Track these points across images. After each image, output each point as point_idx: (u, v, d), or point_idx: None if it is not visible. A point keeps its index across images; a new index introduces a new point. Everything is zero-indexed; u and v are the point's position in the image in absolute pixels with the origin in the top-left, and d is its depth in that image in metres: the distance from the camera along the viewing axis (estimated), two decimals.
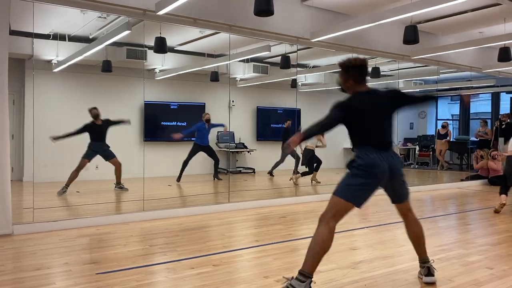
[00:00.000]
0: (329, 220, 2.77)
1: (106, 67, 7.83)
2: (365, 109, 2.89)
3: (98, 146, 7.12)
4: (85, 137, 8.23)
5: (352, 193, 2.80)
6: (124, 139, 8.79)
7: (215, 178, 8.77)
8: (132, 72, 8.80)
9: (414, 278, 3.12)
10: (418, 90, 13.14)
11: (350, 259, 3.60)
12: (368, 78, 3.07)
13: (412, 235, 3.12)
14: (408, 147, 13.66)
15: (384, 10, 6.07)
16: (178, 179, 8.34)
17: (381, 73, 10.17)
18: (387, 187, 2.97)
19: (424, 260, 3.10)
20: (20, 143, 7.74)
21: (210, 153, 8.66)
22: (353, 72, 3.02)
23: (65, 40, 7.47)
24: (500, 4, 6.16)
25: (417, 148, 13.56)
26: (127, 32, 5.63)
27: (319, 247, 2.70)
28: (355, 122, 2.90)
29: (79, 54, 7.19)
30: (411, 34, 6.21)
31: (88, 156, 6.98)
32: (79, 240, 4.26)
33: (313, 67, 10.20)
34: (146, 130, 8.98)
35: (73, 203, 6.42)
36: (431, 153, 13.06)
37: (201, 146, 8.52)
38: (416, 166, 13.30)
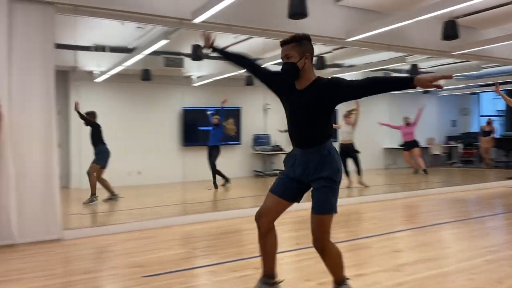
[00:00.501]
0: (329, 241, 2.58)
1: (145, 75, 8.06)
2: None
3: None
4: (130, 146, 8.52)
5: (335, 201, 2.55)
6: (163, 145, 9.02)
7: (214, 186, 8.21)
8: (170, 80, 9.02)
9: (462, 280, 3.03)
10: (459, 86, 12.72)
11: (394, 261, 3.53)
12: None
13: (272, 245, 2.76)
14: (450, 145, 13.23)
15: (421, 6, 5.93)
16: (215, 185, 8.17)
17: (420, 70, 9.92)
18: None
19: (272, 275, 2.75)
20: (66, 151, 8.09)
21: (209, 155, 8.32)
22: (311, 49, 2.55)
23: (105, 51, 7.75)
24: None
25: (460, 146, 13.11)
26: (164, 41, 5.78)
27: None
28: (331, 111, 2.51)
29: (119, 64, 7.45)
30: (451, 29, 6.03)
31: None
32: (124, 244, 4.40)
33: (349, 66, 10.08)
34: (185, 136, 9.16)
35: (118, 208, 6.64)
36: (475, 151, 12.59)
37: (207, 146, 8.37)
38: (460, 164, 12.85)
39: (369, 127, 11.69)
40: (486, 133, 11.53)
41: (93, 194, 6.58)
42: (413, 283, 2.98)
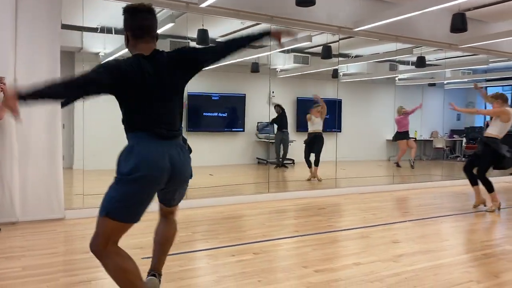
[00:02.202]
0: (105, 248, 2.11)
1: None
2: (145, 78, 2.04)
3: None
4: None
5: (118, 206, 2.03)
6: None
7: None
8: None
9: (458, 273, 3.05)
10: (466, 80, 12.65)
11: (391, 252, 3.56)
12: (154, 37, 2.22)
13: (162, 237, 2.55)
14: (454, 139, 13.19)
15: None
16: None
17: (427, 62, 9.85)
18: (161, 189, 2.18)
19: (157, 271, 2.56)
20: (70, 133, 8.12)
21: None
22: (129, 21, 2.19)
23: (112, 33, 7.72)
24: None
25: (464, 140, 13.07)
26: (171, 24, 5.75)
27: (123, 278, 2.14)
28: (129, 97, 2.07)
29: (125, 46, 7.44)
30: (459, 22, 5.98)
31: None
32: None
33: (355, 56, 10.02)
34: (189, 121, 9.17)
35: None
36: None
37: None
38: (463, 158, 12.82)
39: (372, 120, 11.68)
40: None
41: None
42: (410, 274, 3.01)
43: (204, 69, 2.33)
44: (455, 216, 5.10)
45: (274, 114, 9.34)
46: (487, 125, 11.94)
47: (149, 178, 2.01)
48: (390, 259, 3.36)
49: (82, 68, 7.74)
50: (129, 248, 3.53)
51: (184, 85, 2.29)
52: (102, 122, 6.98)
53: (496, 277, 2.99)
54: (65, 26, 5.27)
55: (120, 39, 7.70)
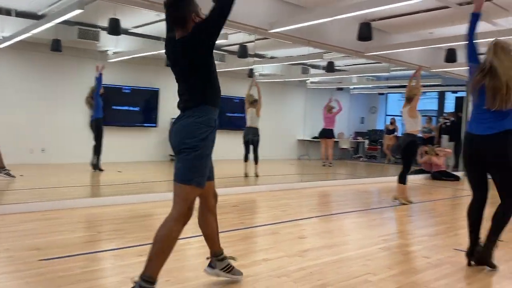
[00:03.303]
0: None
1: (56, 46, 7.47)
2: (168, 60, 2.58)
3: None
4: (34, 121, 7.86)
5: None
6: (71, 122, 8.49)
7: (95, 169, 7.53)
8: (83, 53, 8.48)
9: (357, 266, 3.26)
10: (370, 86, 13.58)
11: (298, 247, 3.70)
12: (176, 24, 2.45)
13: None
14: (358, 140, 14.11)
15: (340, 6, 6.20)
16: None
17: (336, 67, 10.41)
18: None
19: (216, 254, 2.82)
20: None
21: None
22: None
23: (11, 15, 7.06)
24: (449, 7, 6.46)
25: (367, 142, 14.04)
26: (79, 11, 5.40)
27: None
28: None
29: (26, 30, 6.82)
30: (365, 31, 6.39)
31: None
32: (23, 225, 4.09)
33: (271, 57, 10.26)
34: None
35: (18, 187, 6.14)
36: (379, 147, 13.57)
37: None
38: (365, 159, 13.77)
39: (285, 120, 12.06)
40: (390, 131, 12.48)
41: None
42: (314, 268, 3.15)
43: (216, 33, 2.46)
44: (357, 212, 5.46)
45: None
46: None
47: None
48: (297, 254, 3.49)
49: None
50: (24, 250, 3.26)
51: (199, 62, 2.44)
52: None
53: (390, 269, 3.25)
54: None
55: (21, 22, 7.10)
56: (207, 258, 2.85)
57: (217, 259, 2.80)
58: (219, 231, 2.82)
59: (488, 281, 3.11)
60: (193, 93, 2.46)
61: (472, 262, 3.37)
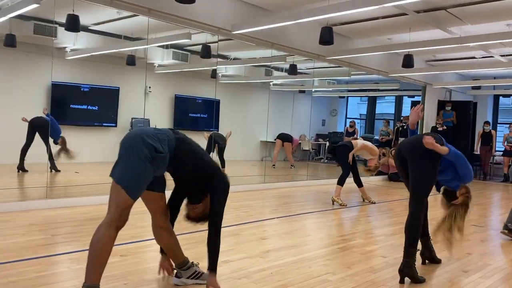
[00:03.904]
0: None
1: (10, 41, 7.14)
2: None
3: None
4: None
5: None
6: (25, 122, 8.14)
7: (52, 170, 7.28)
8: (39, 49, 8.15)
9: (317, 266, 3.31)
10: (331, 89, 13.84)
11: (260, 248, 3.72)
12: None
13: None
14: (319, 142, 14.35)
15: (303, 10, 6.29)
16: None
17: (298, 70, 10.54)
18: None
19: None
20: None
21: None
22: None
23: None
24: (407, 14, 6.69)
25: (328, 144, 14.30)
26: (35, 5, 5.20)
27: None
28: None
29: None
30: (327, 35, 6.51)
31: None
32: None
33: (234, 59, 10.26)
34: (52, 113, 8.37)
35: None
36: None
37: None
38: (326, 160, 14.02)
39: (248, 121, 12.09)
40: (349, 133, 12.76)
41: None
42: (275, 269, 3.17)
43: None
44: (317, 213, 5.55)
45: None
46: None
47: None
48: (258, 255, 3.50)
49: None
50: None
51: None
52: None
53: (349, 268, 3.32)
54: None
55: None
56: (173, 269, 2.83)
57: (182, 269, 2.78)
58: (177, 242, 2.79)
59: (443, 278, 3.24)
60: None
61: (427, 261, 3.53)
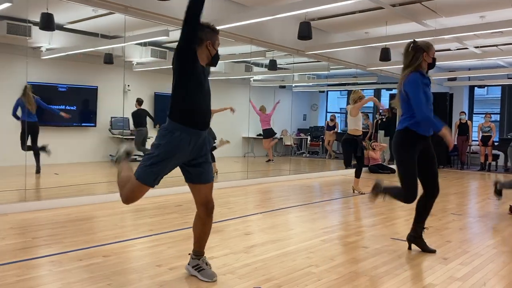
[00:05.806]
0: None
1: None
2: None
3: None
4: None
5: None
6: (0, 123, 7.96)
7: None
8: (13, 49, 7.97)
9: (301, 259, 3.35)
10: (311, 84, 13.92)
11: (244, 243, 3.73)
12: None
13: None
14: (301, 137, 14.44)
15: (281, 4, 6.30)
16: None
17: (278, 66, 10.57)
18: None
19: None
20: None
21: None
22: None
23: None
24: (383, 8, 6.77)
25: (309, 138, 14.40)
26: (7, 4, 5.08)
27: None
28: None
29: None
30: (305, 30, 6.55)
31: None
32: None
33: None
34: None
35: None
36: (321, 143, 13.97)
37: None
38: (307, 154, 14.12)
39: (230, 118, 12.05)
40: (330, 127, 12.88)
41: None
42: (259, 264, 3.19)
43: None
44: (300, 207, 5.59)
45: (130, 109, 8.99)
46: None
47: None
48: (242, 250, 3.52)
49: None
50: None
51: (175, 69, 2.97)
52: None
53: (332, 260, 3.36)
54: None
55: None
56: (189, 254, 2.99)
57: (192, 256, 2.95)
58: (207, 235, 2.94)
59: (423, 266, 3.31)
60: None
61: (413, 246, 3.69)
